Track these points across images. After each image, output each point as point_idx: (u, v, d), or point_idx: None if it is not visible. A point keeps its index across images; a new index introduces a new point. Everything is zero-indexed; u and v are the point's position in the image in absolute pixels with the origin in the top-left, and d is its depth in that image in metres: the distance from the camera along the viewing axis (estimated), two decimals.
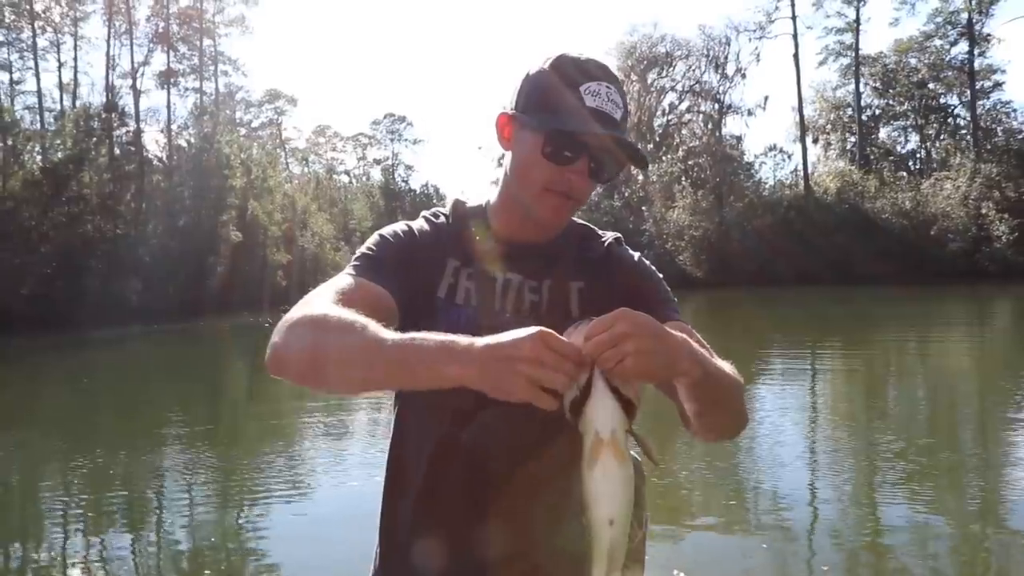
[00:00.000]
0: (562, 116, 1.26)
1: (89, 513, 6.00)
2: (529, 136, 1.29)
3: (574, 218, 1.43)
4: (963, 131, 43.48)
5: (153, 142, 40.62)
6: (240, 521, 5.62)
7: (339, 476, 6.61)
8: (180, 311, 29.81)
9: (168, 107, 41.75)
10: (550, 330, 1.00)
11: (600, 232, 1.47)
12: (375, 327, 1.09)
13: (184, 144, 40.44)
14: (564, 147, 1.26)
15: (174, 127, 41.57)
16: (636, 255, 1.45)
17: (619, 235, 1.47)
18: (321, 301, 1.21)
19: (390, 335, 1.07)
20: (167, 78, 42.38)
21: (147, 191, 37.08)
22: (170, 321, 27.29)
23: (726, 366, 1.24)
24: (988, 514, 4.90)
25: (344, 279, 1.30)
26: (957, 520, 4.78)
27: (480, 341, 1.02)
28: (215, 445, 8.13)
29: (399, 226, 1.41)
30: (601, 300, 1.30)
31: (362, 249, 1.37)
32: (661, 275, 1.45)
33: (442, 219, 1.44)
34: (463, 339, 1.03)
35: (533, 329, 0.99)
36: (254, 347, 20.88)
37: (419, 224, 1.43)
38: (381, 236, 1.39)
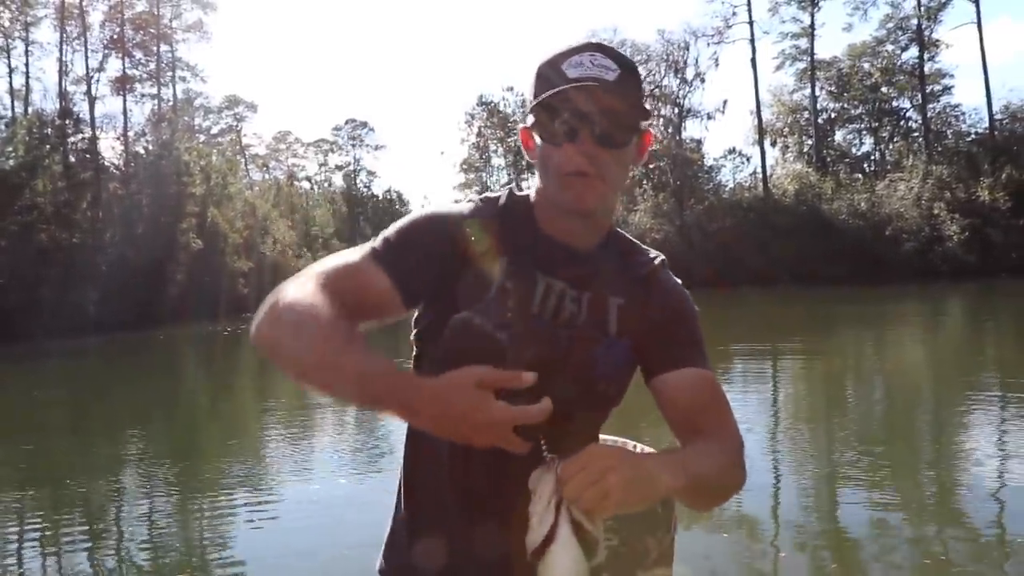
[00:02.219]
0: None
1: (46, 530, 5.87)
2: (532, 132, 1.27)
3: (622, 231, 1.40)
4: (915, 134, 44.52)
5: (109, 149, 39.84)
6: (203, 532, 5.55)
7: (303, 482, 6.57)
8: (139, 321, 29.35)
9: (124, 113, 41.12)
10: (482, 371, 1.03)
11: (646, 249, 1.40)
12: (330, 339, 1.08)
13: (142, 151, 39.84)
14: (554, 122, 1.21)
15: (131, 134, 40.93)
16: (678, 284, 1.39)
17: (664, 258, 1.40)
18: (300, 285, 1.17)
19: (345, 356, 1.07)
20: (123, 84, 41.71)
21: (104, 199, 36.44)
22: (129, 331, 26.84)
23: (715, 450, 1.23)
24: (943, 506, 5.04)
25: (349, 258, 1.24)
26: (914, 513, 4.91)
27: (426, 387, 1.04)
28: (175, 456, 8.02)
29: (439, 211, 1.30)
30: (637, 322, 1.31)
31: (392, 229, 1.29)
32: (697, 309, 1.39)
33: (489, 207, 1.32)
34: (409, 381, 1.07)
35: (466, 377, 1.02)
36: (214, 356, 20.68)
37: (464, 208, 1.31)
38: (411, 221, 1.29)
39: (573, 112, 1.19)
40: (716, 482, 1.22)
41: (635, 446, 1.55)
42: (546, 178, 1.27)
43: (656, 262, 1.37)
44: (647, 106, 1.31)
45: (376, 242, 1.26)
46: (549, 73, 1.22)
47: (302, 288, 1.16)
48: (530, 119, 1.26)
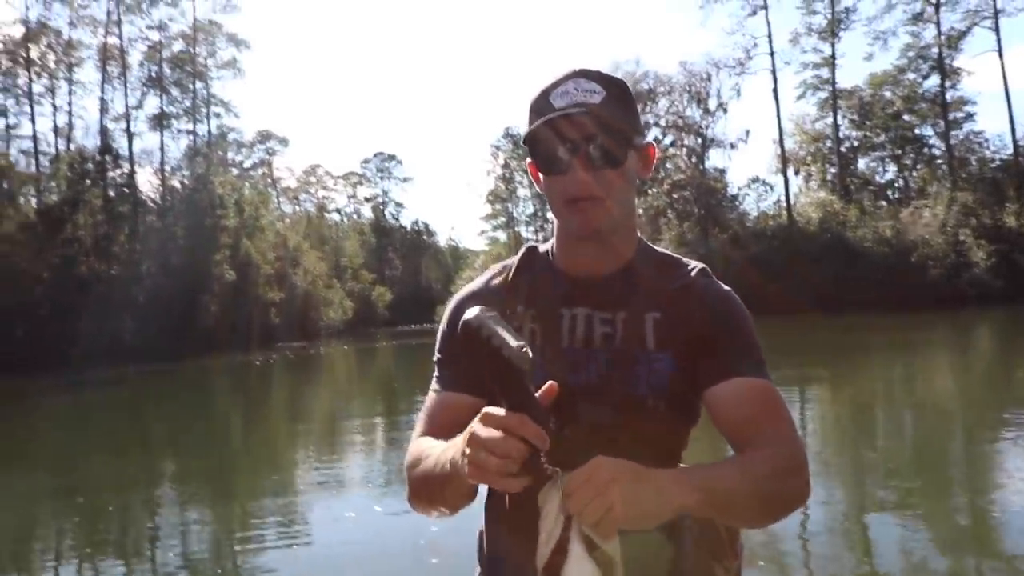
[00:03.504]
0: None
1: (85, 551, 5.99)
2: (533, 167, 1.30)
3: (655, 247, 1.40)
4: (938, 160, 44.39)
5: (147, 183, 41.13)
6: (237, 557, 5.59)
7: (337, 507, 6.61)
8: (174, 350, 29.89)
9: (161, 149, 42.52)
10: (489, 410, 1.01)
11: (686, 261, 1.37)
12: (421, 450, 1.25)
13: (177, 185, 41.02)
14: (547, 153, 1.24)
15: (167, 168, 42.18)
16: (725, 289, 1.34)
17: (705, 266, 1.36)
18: (414, 442, 1.31)
19: (430, 452, 1.21)
20: (160, 121, 43.04)
21: (141, 231, 37.47)
22: (164, 360, 27.26)
23: (754, 460, 1.16)
24: (976, 538, 4.96)
25: (430, 400, 1.35)
26: (946, 545, 4.85)
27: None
28: (210, 485, 8.14)
29: (457, 304, 1.37)
30: (677, 331, 1.27)
31: (437, 349, 1.38)
32: (749, 316, 1.32)
33: (505, 273, 1.39)
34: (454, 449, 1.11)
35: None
36: (246, 385, 20.94)
37: (477, 287, 1.40)
38: (442, 332, 1.37)
39: (563, 141, 1.22)
40: (752, 494, 1.12)
41: None
42: (554, 208, 1.29)
43: (695, 272, 1.34)
44: (642, 120, 1.43)
45: (436, 371, 1.37)
46: (538, 106, 1.25)
47: (412, 448, 1.30)
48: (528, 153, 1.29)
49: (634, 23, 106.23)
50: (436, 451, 1.19)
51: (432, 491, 1.21)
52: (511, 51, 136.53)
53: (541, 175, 1.29)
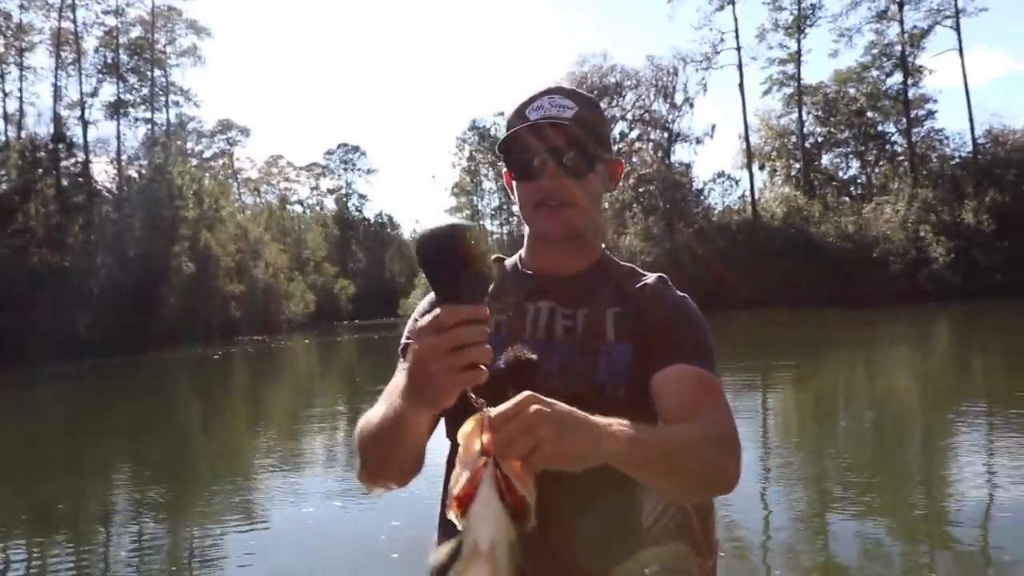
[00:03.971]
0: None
1: (35, 539, 5.87)
2: (508, 175, 1.40)
3: (620, 261, 1.47)
4: (900, 157, 45.08)
5: (102, 173, 40.13)
6: (194, 556, 5.41)
7: (295, 504, 6.49)
8: (131, 344, 29.36)
9: (118, 137, 41.47)
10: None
11: (644, 273, 1.44)
12: (371, 414, 1.21)
13: (134, 175, 40.10)
14: (520, 161, 1.34)
15: (124, 158, 41.16)
16: (680, 295, 1.40)
17: (663, 275, 1.44)
18: (364, 416, 1.28)
19: (379, 410, 1.19)
20: (116, 108, 41.98)
21: (96, 222, 36.57)
22: (121, 354, 26.81)
23: (688, 429, 1.16)
24: (931, 525, 5.08)
25: (391, 383, 1.31)
26: (902, 532, 4.96)
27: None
28: (165, 479, 7.94)
29: (428, 300, 1.38)
30: (636, 324, 1.34)
31: (406, 334, 1.40)
32: (704, 320, 1.38)
33: None
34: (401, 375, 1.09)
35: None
36: (205, 380, 20.60)
37: None
38: (413, 320, 1.36)
39: (536, 150, 1.32)
40: (681, 459, 1.11)
41: None
42: (524, 213, 1.39)
43: (654, 278, 1.41)
44: (609, 113, 1.45)
45: (401, 358, 1.37)
46: (514, 119, 1.36)
47: (362, 420, 1.28)
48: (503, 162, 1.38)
49: (601, 16, 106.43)
50: (383, 408, 1.19)
51: (382, 444, 1.18)
52: (477, 43, 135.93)
53: (514, 182, 1.38)
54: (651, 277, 1.42)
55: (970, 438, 7.70)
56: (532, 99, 1.36)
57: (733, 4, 44.75)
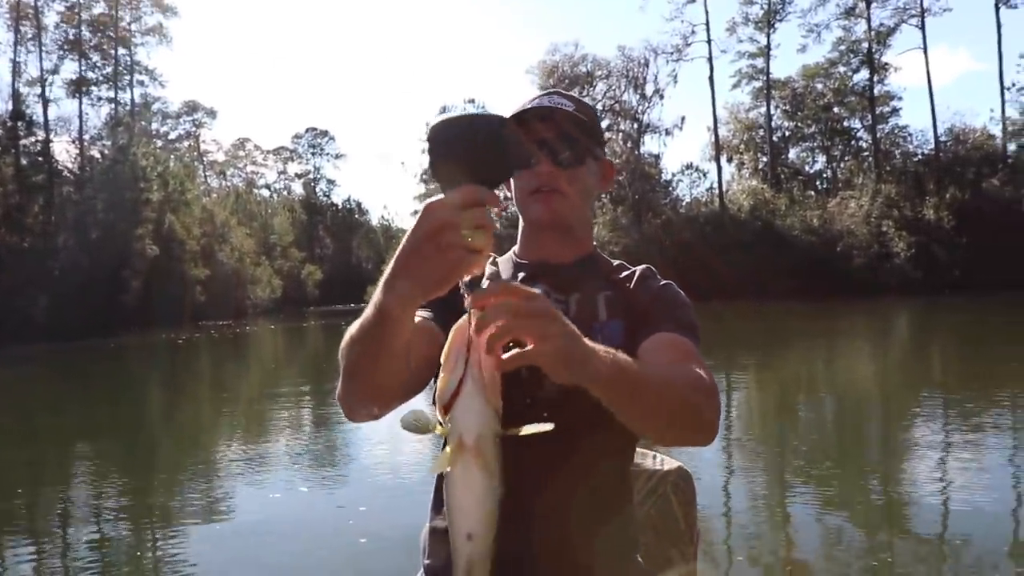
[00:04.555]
0: None
1: None
2: None
3: (608, 257, 1.53)
4: (865, 153, 45.77)
5: (64, 152, 39.18)
6: (156, 541, 5.32)
7: (260, 492, 6.35)
8: (92, 328, 28.80)
9: (80, 116, 40.54)
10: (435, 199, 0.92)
11: (631, 267, 1.50)
12: (353, 324, 1.11)
13: (97, 155, 39.22)
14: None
15: (86, 137, 40.26)
16: (666, 281, 1.46)
17: (651, 266, 1.49)
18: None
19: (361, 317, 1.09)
20: (79, 87, 41.05)
21: (57, 203, 35.81)
22: (81, 338, 26.27)
23: (673, 371, 1.18)
24: (891, 517, 5.17)
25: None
26: (862, 523, 5.04)
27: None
28: (126, 465, 7.78)
29: None
30: (626, 307, 1.39)
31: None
32: (689, 303, 1.43)
33: None
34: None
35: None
36: (168, 365, 20.30)
37: None
38: None
39: (532, 139, 1.37)
40: (661, 394, 1.10)
41: (656, 456, 1.61)
42: (518, 201, 1.44)
43: (642, 267, 1.49)
44: (605, 138, 1.48)
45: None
46: (513, 115, 1.39)
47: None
48: None
49: (573, 4, 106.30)
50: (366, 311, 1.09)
51: (364, 347, 1.07)
52: (448, 29, 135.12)
53: None
54: (640, 267, 1.49)
55: (928, 429, 7.87)
56: (533, 99, 1.41)
57: None
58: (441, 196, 0.91)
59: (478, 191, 0.90)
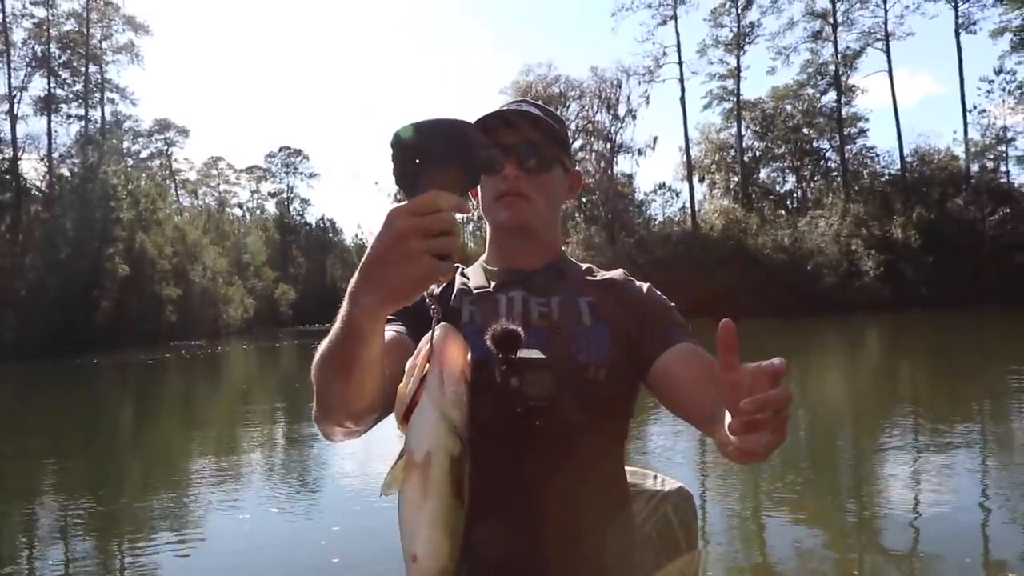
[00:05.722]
0: None
1: None
2: None
3: (576, 261, 1.53)
4: (834, 173, 46.53)
5: (32, 171, 38.60)
6: (124, 568, 5.21)
7: (230, 513, 6.28)
8: (61, 348, 28.36)
9: (49, 134, 39.96)
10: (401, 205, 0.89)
11: (600, 270, 1.52)
12: (323, 342, 1.07)
13: (67, 173, 38.70)
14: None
15: (56, 155, 39.72)
16: (646, 285, 1.48)
17: (624, 270, 1.51)
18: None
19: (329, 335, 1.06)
20: (48, 104, 40.55)
21: (24, 222, 35.25)
22: (49, 358, 25.87)
23: None
24: (861, 531, 5.22)
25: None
26: (835, 537, 5.09)
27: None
28: (93, 487, 7.60)
29: None
30: (610, 313, 1.38)
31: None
32: (672, 304, 1.45)
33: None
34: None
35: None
36: (137, 387, 19.96)
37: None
38: None
39: (496, 144, 1.33)
40: None
41: (656, 476, 1.62)
42: (485, 207, 1.43)
43: (617, 271, 1.51)
44: (572, 147, 1.49)
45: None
46: (480, 120, 1.36)
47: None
48: None
49: (547, 27, 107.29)
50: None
51: (335, 362, 1.02)
52: (421, 50, 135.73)
53: None
54: (614, 272, 1.50)
55: (896, 446, 7.96)
56: (501, 106, 1.40)
57: (676, 19, 45.75)
58: (405, 202, 0.88)
59: (443, 196, 0.88)
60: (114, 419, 13.82)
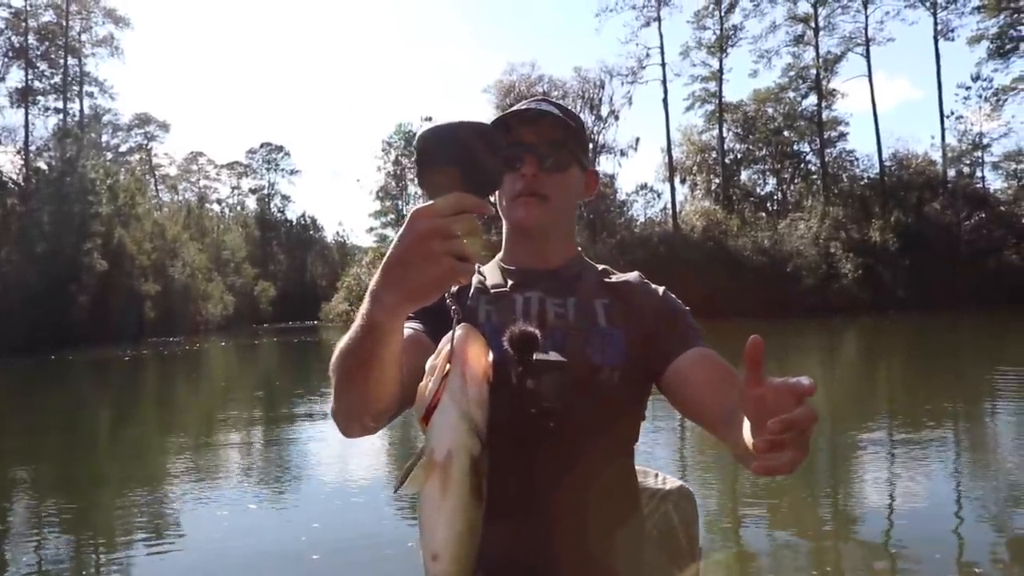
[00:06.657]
0: None
1: None
2: None
3: (592, 262, 1.52)
4: (814, 176, 46.94)
5: (8, 163, 38.08)
6: (99, 568, 5.10)
7: (209, 511, 6.22)
8: (36, 344, 28.01)
9: (26, 127, 39.55)
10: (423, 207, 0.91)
11: (617, 272, 1.52)
12: (343, 338, 1.08)
13: (44, 167, 38.19)
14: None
15: (32, 148, 39.20)
16: (661, 288, 1.48)
17: (640, 273, 1.52)
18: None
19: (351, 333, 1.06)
20: (25, 96, 40.05)
21: (0, 215, 34.73)
22: (24, 355, 25.51)
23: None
24: (840, 526, 5.31)
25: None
26: (812, 534, 5.15)
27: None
28: (69, 492, 7.41)
29: None
30: (626, 313, 1.39)
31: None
32: (688, 308, 1.46)
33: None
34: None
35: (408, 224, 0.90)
36: (114, 383, 19.73)
37: None
38: None
39: (520, 146, 1.36)
40: None
41: (657, 475, 1.63)
42: (502, 207, 1.42)
43: (632, 273, 1.51)
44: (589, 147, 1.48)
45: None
46: (500, 119, 1.38)
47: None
48: None
49: (530, 26, 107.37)
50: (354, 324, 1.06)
51: (356, 358, 1.03)
52: (405, 48, 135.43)
53: None
54: (630, 274, 1.50)
55: (872, 444, 8.06)
56: (521, 104, 1.40)
57: (659, 21, 45.96)
58: (429, 203, 0.90)
59: (465, 198, 0.89)
60: (90, 416, 13.65)
